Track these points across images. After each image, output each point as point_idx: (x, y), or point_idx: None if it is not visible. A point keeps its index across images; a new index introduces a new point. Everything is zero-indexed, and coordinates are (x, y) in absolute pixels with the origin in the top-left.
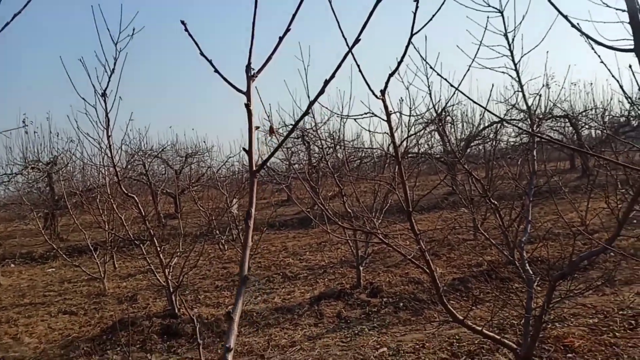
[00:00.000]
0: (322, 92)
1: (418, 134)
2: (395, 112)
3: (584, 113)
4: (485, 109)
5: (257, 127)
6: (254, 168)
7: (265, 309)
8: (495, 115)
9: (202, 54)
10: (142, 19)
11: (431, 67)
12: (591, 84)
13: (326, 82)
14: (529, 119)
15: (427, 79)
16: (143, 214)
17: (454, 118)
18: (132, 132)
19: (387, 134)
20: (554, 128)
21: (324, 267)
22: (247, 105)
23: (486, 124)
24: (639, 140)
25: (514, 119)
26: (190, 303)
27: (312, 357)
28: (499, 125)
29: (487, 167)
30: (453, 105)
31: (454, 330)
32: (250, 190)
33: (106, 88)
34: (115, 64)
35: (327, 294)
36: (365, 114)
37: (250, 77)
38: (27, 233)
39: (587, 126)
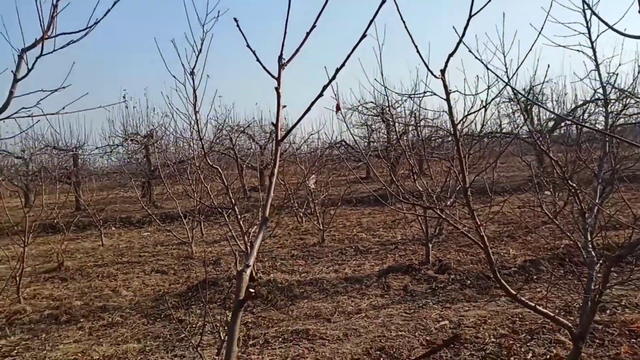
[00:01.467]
0: (333, 77)
1: (481, 110)
2: (454, 92)
3: None
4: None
5: (284, 106)
6: (279, 138)
7: (335, 278)
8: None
9: (248, 45)
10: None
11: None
12: None
13: (337, 71)
14: (618, 99)
15: (504, 56)
16: (226, 184)
17: (542, 96)
18: (219, 108)
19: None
20: None
21: (395, 244)
22: (277, 89)
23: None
24: None
25: (600, 99)
26: (268, 269)
27: (375, 324)
28: (591, 105)
29: (575, 150)
30: (542, 83)
31: (518, 309)
32: (274, 155)
33: (194, 67)
34: (202, 44)
35: (395, 267)
36: (426, 92)
37: (281, 66)
38: (126, 200)
39: None
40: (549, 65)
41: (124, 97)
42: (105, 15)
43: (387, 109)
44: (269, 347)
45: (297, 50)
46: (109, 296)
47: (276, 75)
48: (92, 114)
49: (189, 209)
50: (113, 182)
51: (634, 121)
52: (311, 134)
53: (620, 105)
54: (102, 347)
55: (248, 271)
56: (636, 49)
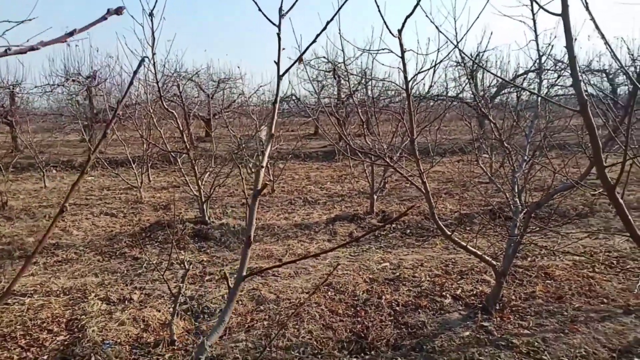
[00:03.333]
0: (324, 29)
1: (431, 69)
2: (408, 50)
3: (621, 70)
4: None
5: (284, 49)
6: (280, 74)
7: (286, 224)
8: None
9: None
10: None
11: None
12: (634, 39)
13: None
14: (555, 70)
15: (455, 21)
16: (181, 129)
17: (486, 63)
18: (169, 54)
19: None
20: (592, 84)
21: (342, 196)
22: (278, 34)
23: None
24: None
25: (541, 70)
26: (219, 215)
27: (323, 264)
28: (532, 75)
29: (515, 116)
30: (485, 50)
31: (452, 255)
32: (277, 90)
33: (153, 8)
34: None
35: (341, 216)
36: (383, 49)
37: (281, 16)
38: (67, 144)
39: (624, 83)
40: (492, 33)
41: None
42: None
43: (341, 64)
44: (224, 282)
45: (294, 4)
46: (60, 235)
47: (277, 24)
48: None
49: (134, 155)
50: (53, 124)
51: (567, 93)
52: (261, 86)
53: (556, 75)
54: (60, 280)
55: (262, 170)
56: (574, 24)
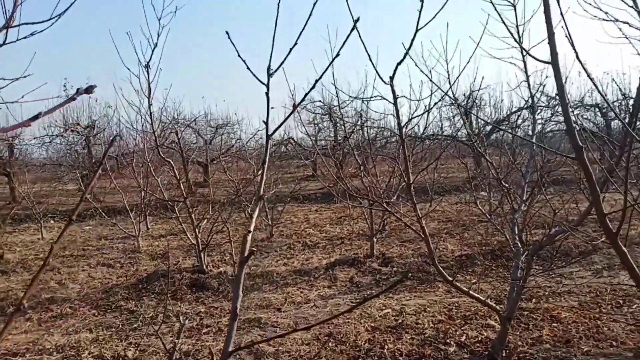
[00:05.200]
0: (317, 82)
1: (424, 114)
2: (400, 97)
3: (615, 103)
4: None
5: (273, 107)
6: (269, 133)
7: (285, 271)
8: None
9: (239, 55)
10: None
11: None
12: (624, 74)
13: (320, 76)
14: (548, 107)
15: (447, 63)
16: (178, 177)
17: (480, 102)
18: (167, 102)
19: (394, 115)
20: (585, 117)
21: (341, 239)
22: (267, 94)
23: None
24: None
25: (539, 106)
26: (217, 262)
27: (323, 312)
28: (526, 112)
29: (511, 153)
30: (479, 89)
31: (454, 299)
32: (265, 149)
33: (149, 60)
34: (158, 37)
35: (342, 260)
36: (375, 97)
37: (270, 75)
38: (65, 193)
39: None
40: (483, 77)
41: (64, 85)
42: (69, 6)
43: (335, 108)
44: (222, 335)
45: (283, 62)
46: (56, 288)
47: (265, 82)
48: (30, 102)
49: (132, 203)
50: (52, 174)
51: (561, 128)
52: (258, 130)
53: (549, 112)
54: (54, 337)
55: (250, 235)
56: (564, 64)
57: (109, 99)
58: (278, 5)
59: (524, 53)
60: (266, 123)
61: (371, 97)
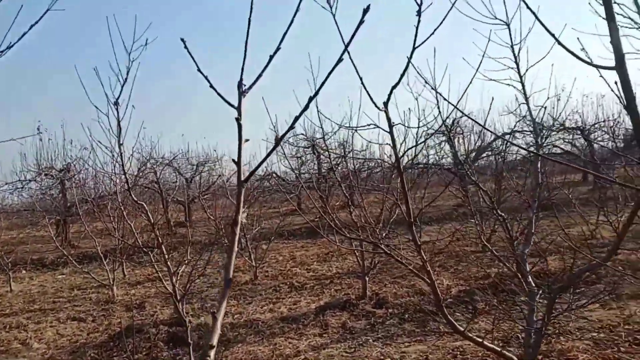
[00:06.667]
0: (306, 107)
1: (421, 144)
2: (396, 124)
3: (595, 125)
4: (483, 126)
5: (247, 140)
6: (242, 178)
7: (271, 318)
8: (494, 134)
9: (199, 70)
10: (156, 31)
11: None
12: (603, 96)
13: (310, 99)
14: (534, 132)
15: (435, 90)
16: (152, 221)
17: (463, 129)
18: (144, 140)
19: (390, 145)
20: (566, 140)
21: (330, 278)
22: (238, 120)
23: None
24: None
25: (525, 131)
26: (198, 311)
27: None
28: (510, 137)
29: (497, 179)
30: (461, 117)
31: (458, 342)
32: (237, 199)
33: (118, 97)
34: (128, 73)
35: (332, 304)
36: (369, 125)
37: (242, 93)
38: (39, 240)
39: (599, 139)
40: (466, 102)
41: (38, 128)
42: (20, 39)
43: (320, 140)
44: None
45: (260, 75)
46: (18, 350)
47: (236, 104)
48: (0, 146)
49: (109, 248)
50: (24, 221)
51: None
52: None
53: (544, 136)
54: None
55: (219, 320)
56: (555, 83)
57: (85, 140)
58: (249, 19)
59: (522, 74)
60: (237, 163)
61: (362, 126)
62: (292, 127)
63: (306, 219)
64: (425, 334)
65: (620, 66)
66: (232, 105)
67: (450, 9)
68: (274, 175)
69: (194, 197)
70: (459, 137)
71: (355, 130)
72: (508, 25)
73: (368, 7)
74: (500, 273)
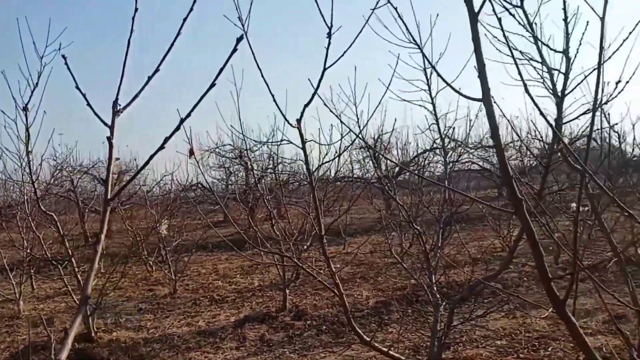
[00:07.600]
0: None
1: (335, 159)
2: (309, 141)
3: (510, 144)
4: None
5: (117, 159)
6: (109, 196)
7: (188, 332)
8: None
9: (77, 87)
10: (73, 35)
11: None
12: (517, 117)
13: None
14: (453, 149)
15: (356, 107)
16: (62, 232)
17: (387, 145)
18: (59, 147)
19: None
20: (485, 158)
21: (252, 290)
22: (109, 139)
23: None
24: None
25: (436, 148)
26: (110, 326)
27: None
28: (430, 153)
29: (417, 194)
30: (384, 133)
31: (372, 353)
32: (102, 217)
33: (28, 102)
34: (39, 77)
35: (252, 317)
36: (283, 141)
37: (116, 112)
38: None
39: (512, 157)
40: (395, 119)
41: None
42: None
43: (245, 152)
44: None
45: (136, 96)
46: None
47: (109, 123)
48: None
49: (16, 260)
50: None
51: (467, 168)
52: (164, 175)
53: (456, 155)
54: None
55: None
56: (468, 105)
57: None
58: (133, 19)
59: (434, 95)
60: (105, 182)
61: (280, 141)
62: (177, 129)
63: (236, 229)
64: (340, 344)
65: (485, 99)
66: (105, 124)
67: (360, 31)
68: (199, 185)
69: (113, 207)
70: (384, 152)
71: (269, 146)
72: (421, 49)
73: (241, 36)
74: (416, 285)
